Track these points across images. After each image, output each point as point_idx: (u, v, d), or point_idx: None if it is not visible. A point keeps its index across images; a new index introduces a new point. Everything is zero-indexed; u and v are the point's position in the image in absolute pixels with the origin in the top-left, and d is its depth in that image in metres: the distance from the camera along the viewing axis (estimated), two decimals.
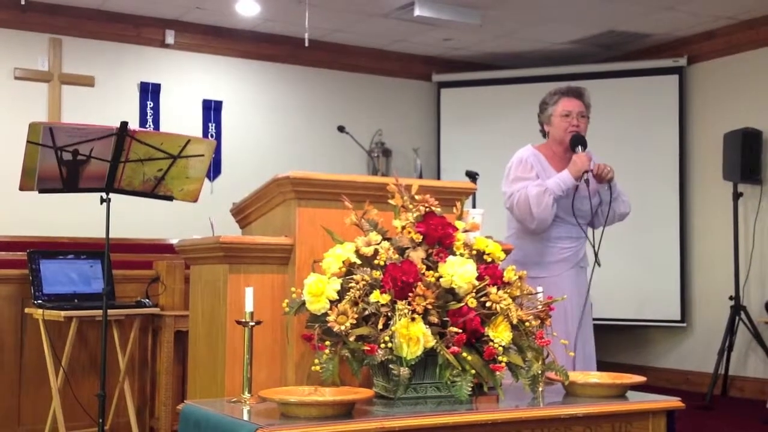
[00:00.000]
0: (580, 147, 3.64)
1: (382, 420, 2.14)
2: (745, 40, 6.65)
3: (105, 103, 6.42)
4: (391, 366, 2.34)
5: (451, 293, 2.44)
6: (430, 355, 2.37)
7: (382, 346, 2.31)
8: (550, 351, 2.58)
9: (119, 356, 4.46)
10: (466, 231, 2.62)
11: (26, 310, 4.43)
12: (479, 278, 2.46)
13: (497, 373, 2.39)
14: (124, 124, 3.46)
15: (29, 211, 5.82)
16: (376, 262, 2.45)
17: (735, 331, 6.17)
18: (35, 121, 3.41)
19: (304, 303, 2.44)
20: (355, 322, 2.35)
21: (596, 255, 3.60)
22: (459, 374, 2.36)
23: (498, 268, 2.55)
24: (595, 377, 2.70)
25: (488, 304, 2.44)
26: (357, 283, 2.40)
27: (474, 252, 2.57)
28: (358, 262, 2.47)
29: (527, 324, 2.49)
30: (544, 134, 3.84)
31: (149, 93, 6.64)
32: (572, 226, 3.69)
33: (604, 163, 3.69)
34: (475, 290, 2.44)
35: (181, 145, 3.55)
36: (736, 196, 6.38)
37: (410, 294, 2.36)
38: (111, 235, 3.63)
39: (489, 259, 2.57)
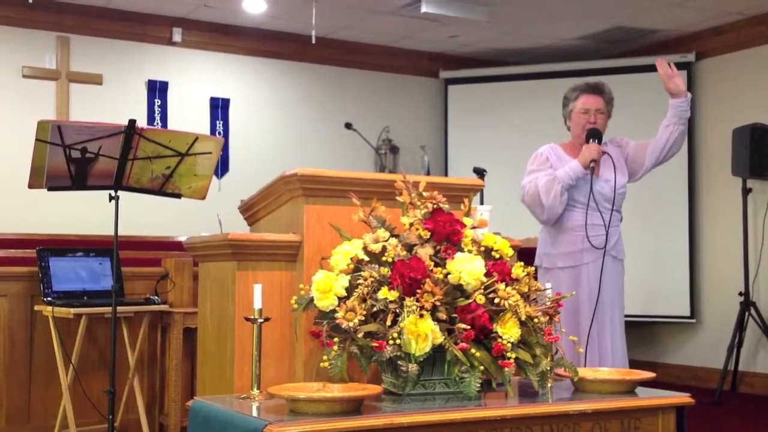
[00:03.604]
0: (594, 140, 3.73)
1: (390, 416, 2.14)
2: (753, 36, 6.62)
3: (113, 101, 6.44)
4: (399, 362, 2.34)
5: (459, 290, 2.44)
6: (438, 351, 2.37)
7: (391, 342, 2.31)
8: (559, 347, 2.58)
9: (128, 353, 4.47)
10: (474, 227, 2.62)
11: (36, 307, 4.44)
12: (487, 275, 2.46)
13: (506, 369, 2.38)
14: (133, 121, 3.47)
15: (38, 209, 5.84)
16: (384, 258, 2.45)
17: (745, 327, 6.15)
18: (44, 119, 3.42)
19: (312, 300, 2.45)
20: (363, 318, 2.35)
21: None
22: (467, 370, 2.36)
23: (506, 264, 2.54)
24: (605, 373, 2.70)
25: (497, 300, 2.44)
26: (365, 279, 2.40)
27: (482, 248, 2.57)
28: (366, 258, 2.47)
29: (536, 320, 2.48)
30: (569, 128, 3.92)
31: (157, 91, 6.65)
32: (596, 213, 3.71)
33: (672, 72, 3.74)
34: (483, 287, 2.44)
35: (189, 142, 3.56)
36: (746, 191, 6.35)
37: (418, 290, 2.36)
38: (120, 233, 3.64)
39: (497, 256, 2.57)
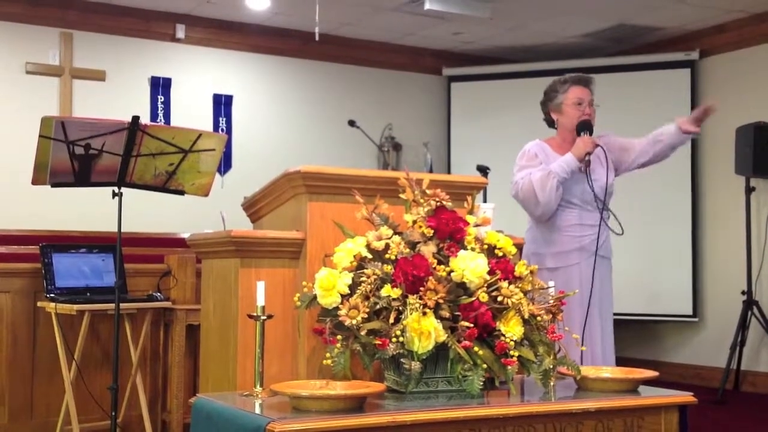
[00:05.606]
0: (585, 132, 3.65)
1: (393, 414, 2.14)
2: (756, 34, 6.61)
3: (116, 98, 6.44)
4: (402, 360, 2.34)
5: (462, 288, 2.44)
6: (441, 349, 2.37)
7: (394, 340, 2.31)
8: (562, 346, 2.57)
9: (131, 350, 4.47)
10: (477, 225, 2.61)
11: (39, 303, 4.45)
12: (490, 273, 2.46)
13: (509, 367, 2.38)
14: (136, 118, 3.46)
15: (41, 206, 5.84)
16: (387, 256, 2.45)
17: (747, 326, 6.15)
18: (47, 115, 3.42)
19: (315, 297, 2.45)
20: (366, 316, 2.35)
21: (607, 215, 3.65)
22: (470, 368, 2.36)
23: (509, 262, 2.54)
24: (607, 372, 2.69)
25: (500, 298, 2.43)
26: (368, 277, 2.40)
27: (485, 246, 2.57)
28: (369, 256, 2.47)
29: (539, 318, 2.48)
30: (549, 122, 3.83)
31: (160, 87, 6.66)
32: (587, 212, 3.66)
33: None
34: (486, 285, 2.44)
35: (192, 139, 3.56)
36: (749, 190, 6.35)
37: (421, 288, 2.36)
38: (123, 229, 3.65)
39: (500, 254, 2.56)
